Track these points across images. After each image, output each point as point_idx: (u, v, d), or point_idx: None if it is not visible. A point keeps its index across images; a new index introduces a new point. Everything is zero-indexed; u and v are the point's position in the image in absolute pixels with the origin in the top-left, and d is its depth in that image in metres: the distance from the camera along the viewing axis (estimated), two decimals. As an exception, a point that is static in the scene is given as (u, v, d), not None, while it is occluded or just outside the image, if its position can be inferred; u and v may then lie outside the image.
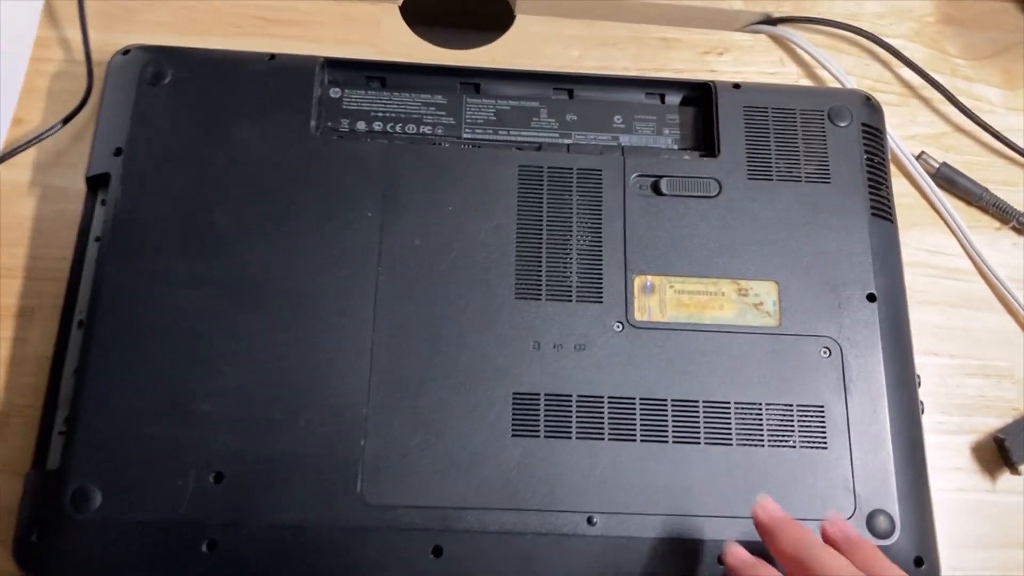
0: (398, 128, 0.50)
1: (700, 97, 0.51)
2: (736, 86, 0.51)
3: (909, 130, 0.56)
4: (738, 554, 0.40)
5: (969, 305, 0.53)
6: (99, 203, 0.47)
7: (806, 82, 0.57)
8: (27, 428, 0.45)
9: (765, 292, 0.47)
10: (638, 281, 0.46)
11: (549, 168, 0.48)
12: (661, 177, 0.48)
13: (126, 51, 0.50)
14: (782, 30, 0.57)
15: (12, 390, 0.46)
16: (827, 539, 0.39)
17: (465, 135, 0.50)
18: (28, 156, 0.51)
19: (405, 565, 0.41)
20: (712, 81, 0.51)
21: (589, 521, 0.42)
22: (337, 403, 0.43)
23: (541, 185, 0.48)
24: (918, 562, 0.43)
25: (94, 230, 0.47)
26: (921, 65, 0.56)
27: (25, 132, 0.51)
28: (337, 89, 0.51)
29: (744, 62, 0.57)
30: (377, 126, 0.50)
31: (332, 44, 0.55)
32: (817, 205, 0.48)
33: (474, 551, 0.41)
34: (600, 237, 0.47)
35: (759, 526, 0.40)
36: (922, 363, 0.48)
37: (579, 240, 0.47)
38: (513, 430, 0.43)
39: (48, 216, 0.50)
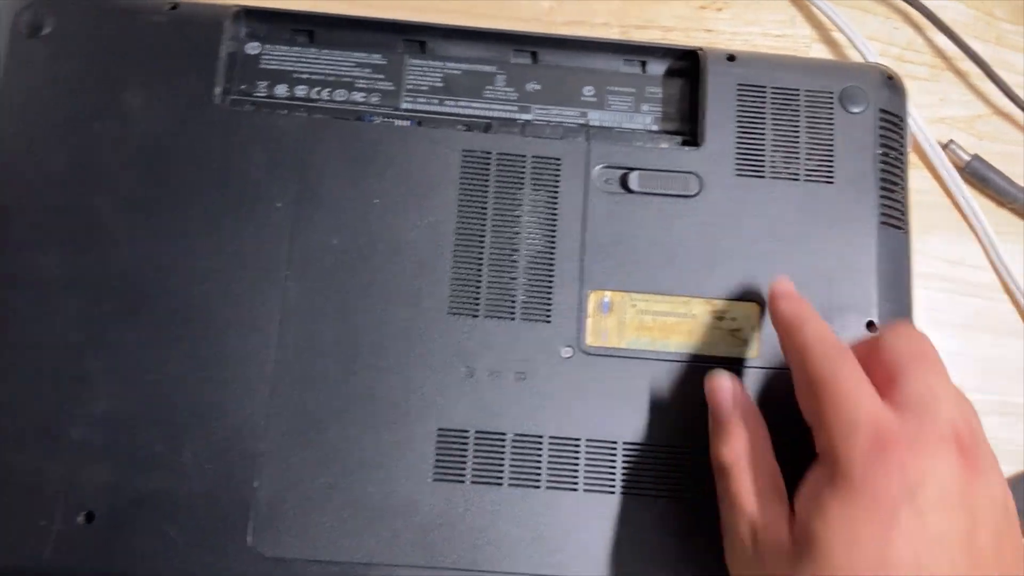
0: (325, 94, 0.42)
1: (688, 68, 0.43)
2: (731, 57, 0.42)
3: (938, 111, 0.47)
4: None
5: (989, 328, 0.45)
6: (-34, 177, 0.40)
7: (819, 48, 0.48)
8: None
9: (744, 316, 0.39)
10: (594, 297, 0.39)
11: (499, 154, 0.40)
12: (631, 170, 0.40)
13: (1, -8, 0.42)
14: (796, -18, 0.48)
15: None
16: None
17: (404, 105, 0.42)
18: None
19: (299, 630, 0.36)
20: (700, 49, 0.42)
21: (517, 585, 0.36)
22: (228, 435, 0.37)
23: (487, 175, 0.40)
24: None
25: (-40, 209, 0.40)
26: (961, 30, 0.47)
27: None
28: (256, 44, 0.43)
29: (747, 20, 0.48)
30: (300, 90, 0.42)
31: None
32: (816, 210, 0.40)
33: (379, 617, 0.36)
34: (554, 242, 0.40)
35: (778, 320, 0.36)
36: (927, 397, 0.41)
37: (528, 245, 0.40)
38: (435, 474, 0.37)
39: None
